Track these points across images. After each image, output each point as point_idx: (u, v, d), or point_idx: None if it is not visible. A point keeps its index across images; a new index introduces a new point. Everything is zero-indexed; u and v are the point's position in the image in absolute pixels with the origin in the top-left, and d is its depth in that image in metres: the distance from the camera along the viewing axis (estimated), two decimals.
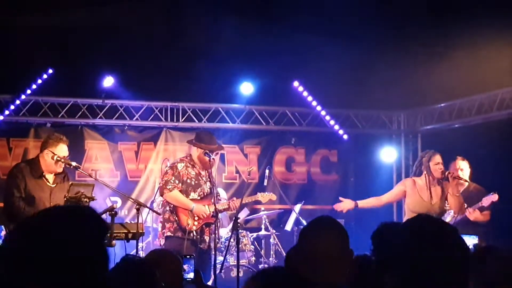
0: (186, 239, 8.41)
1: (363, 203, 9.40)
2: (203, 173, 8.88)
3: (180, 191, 8.66)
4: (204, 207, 8.63)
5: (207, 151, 8.73)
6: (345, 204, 9.41)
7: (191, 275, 6.19)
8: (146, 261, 4.51)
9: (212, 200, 8.68)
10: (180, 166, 8.80)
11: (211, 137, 8.97)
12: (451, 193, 8.94)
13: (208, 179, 8.89)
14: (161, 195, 8.77)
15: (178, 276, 4.95)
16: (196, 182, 8.76)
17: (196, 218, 8.60)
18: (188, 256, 6.58)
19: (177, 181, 8.67)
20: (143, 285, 3.97)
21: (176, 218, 8.60)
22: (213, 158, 8.89)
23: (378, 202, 9.43)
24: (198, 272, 6.15)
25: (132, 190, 11.63)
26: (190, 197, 8.68)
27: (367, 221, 11.40)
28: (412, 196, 9.10)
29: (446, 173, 8.96)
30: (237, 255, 8.11)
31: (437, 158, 9.10)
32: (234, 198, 9.20)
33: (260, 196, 9.42)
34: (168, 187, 8.64)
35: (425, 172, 9.08)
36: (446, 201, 9.10)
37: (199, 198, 8.71)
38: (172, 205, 8.67)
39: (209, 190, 8.81)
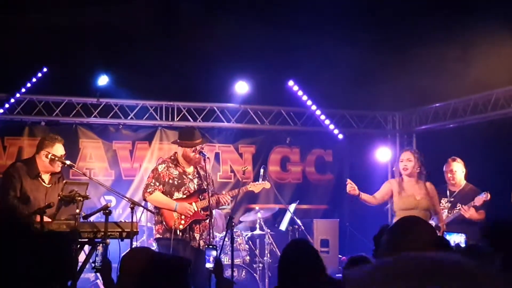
0: (173, 239, 8.33)
1: (364, 197, 9.34)
2: (189, 170, 8.79)
3: (163, 192, 8.55)
4: (189, 205, 8.55)
5: (202, 151, 8.69)
6: (353, 188, 9.31)
7: (210, 265, 6.20)
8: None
9: (200, 197, 8.64)
10: (160, 167, 8.70)
11: (193, 133, 8.81)
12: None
13: (196, 176, 8.81)
14: (144, 199, 8.64)
15: None
16: (179, 181, 8.64)
17: (182, 217, 8.52)
18: (211, 246, 6.59)
19: (157, 183, 8.57)
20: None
21: (163, 219, 8.53)
22: (208, 158, 8.85)
23: (373, 200, 9.42)
24: (218, 261, 6.10)
25: (127, 189, 11.60)
26: (174, 197, 8.55)
27: (361, 222, 11.46)
28: (398, 194, 9.17)
29: (404, 168, 9.14)
30: (231, 254, 8.09)
31: (403, 155, 9.31)
32: (224, 192, 9.12)
33: (252, 186, 9.27)
34: (148, 190, 8.54)
35: (397, 168, 9.35)
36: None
37: (184, 196, 8.62)
38: (157, 207, 8.62)
39: (196, 187, 8.74)
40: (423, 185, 9.12)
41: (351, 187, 9.17)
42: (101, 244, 6.41)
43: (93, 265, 6.45)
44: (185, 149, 8.70)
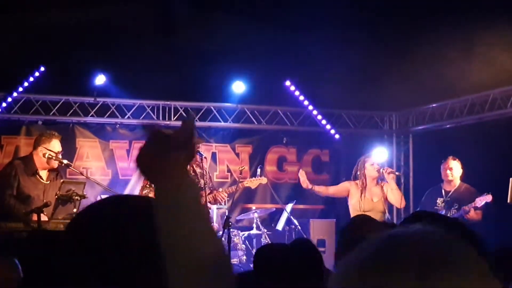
0: None
1: (317, 188, 9.79)
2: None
3: None
4: None
5: (199, 151, 8.69)
6: (304, 181, 9.49)
7: None
8: None
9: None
10: None
11: None
12: (391, 188, 9.46)
13: (193, 174, 8.81)
14: None
15: None
16: None
17: None
18: None
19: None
20: None
21: None
22: (205, 157, 8.86)
23: (326, 191, 9.75)
24: None
25: (124, 189, 11.59)
26: None
27: None
28: (355, 196, 9.54)
29: (381, 170, 9.34)
30: (228, 254, 8.08)
31: (372, 159, 9.66)
32: (220, 189, 9.11)
33: (249, 182, 9.27)
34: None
35: (363, 172, 9.55)
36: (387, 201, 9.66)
37: None
38: None
39: None
40: (381, 187, 9.53)
41: (303, 181, 9.33)
42: None
43: None
44: None
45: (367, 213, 9.01)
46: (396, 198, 9.44)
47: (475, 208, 9.24)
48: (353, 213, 9.47)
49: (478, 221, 9.31)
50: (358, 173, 9.61)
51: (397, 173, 9.62)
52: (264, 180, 9.36)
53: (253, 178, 9.40)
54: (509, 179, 9.03)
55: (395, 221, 13.02)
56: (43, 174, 7.84)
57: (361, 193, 9.44)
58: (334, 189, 9.78)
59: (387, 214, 9.60)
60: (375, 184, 9.51)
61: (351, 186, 9.60)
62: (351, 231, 3.56)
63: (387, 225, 3.83)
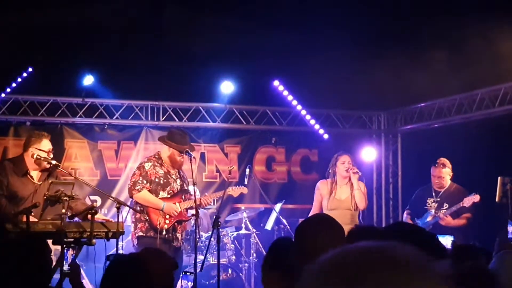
0: (158, 238, 8.36)
1: None
2: (172, 171, 8.81)
3: (149, 190, 8.58)
4: (174, 205, 8.58)
5: (188, 151, 8.69)
6: None
7: None
8: (139, 258, 4.39)
9: (183, 197, 8.68)
10: (147, 165, 8.70)
11: (183, 136, 8.86)
12: (354, 188, 9.35)
13: (178, 176, 8.84)
14: (130, 196, 8.62)
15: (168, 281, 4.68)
16: (165, 180, 8.67)
17: (167, 217, 8.54)
18: (188, 273, 6.55)
19: (145, 181, 8.57)
20: (137, 283, 3.91)
21: (147, 218, 8.51)
22: (193, 157, 8.86)
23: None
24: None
25: (112, 189, 11.58)
26: (160, 196, 8.57)
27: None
28: (328, 196, 9.47)
29: (349, 169, 9.28)
30: (217, 254, 8.10)
31: (343, 158, 9.57)
32: (206, 194, 9.18)
33: (231, 191, 9.37)
34: (136, 188, 8.55)
35: (334, 170, 9.55)
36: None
37: (169, 196, 8.64)
38: (142, 206, 8.61)
39: (179, 187, 8.76)
40: (350, 185, 9.42)
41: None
42: (70, 249, 6.37)
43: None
44: (173, 151, 8.71)
45: (332, 212, 9.00)
46: (357, 198, 9.36)
47: (463, 209, 9.30)
48: (325, 212, 9.44)
49: (463, 226, 9.38)
50: (330, 170, 9.62)
51: (359, 173, 9.47)
52: (245, 190, 9.52)
53: (235, 187, 9.49)
54: (497, 178, 9.07)
55: (380, 217, 13.10)
56: (34, 174, 7.82)
57: (330, 192, 9.43)
58: (317, 208, 9.74)
59: (355, 211, 9.48)
60: (346, 183, 9.45)
61: (320, 190, 9.58)
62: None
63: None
